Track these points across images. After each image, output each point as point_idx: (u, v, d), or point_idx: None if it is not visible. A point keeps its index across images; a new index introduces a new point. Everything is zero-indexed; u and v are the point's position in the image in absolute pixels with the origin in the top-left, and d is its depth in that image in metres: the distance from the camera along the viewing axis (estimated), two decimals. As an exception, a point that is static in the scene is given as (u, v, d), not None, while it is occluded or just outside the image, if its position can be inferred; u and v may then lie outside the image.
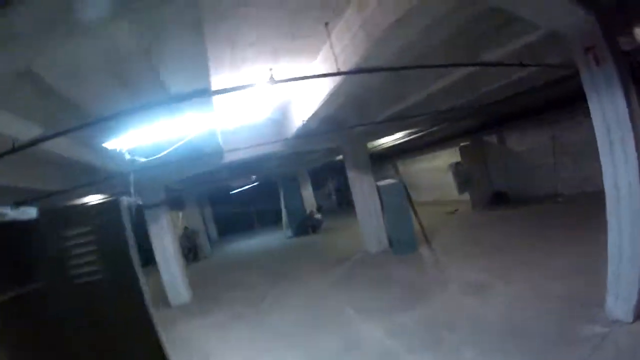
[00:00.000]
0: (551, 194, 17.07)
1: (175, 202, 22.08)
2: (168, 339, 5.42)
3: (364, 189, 15.04)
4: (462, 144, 19.75)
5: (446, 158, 22.17)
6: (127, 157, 6.98)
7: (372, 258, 14.34)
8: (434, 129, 17.09)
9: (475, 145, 19.80)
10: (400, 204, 13.74)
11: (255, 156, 14.51)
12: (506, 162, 19.40)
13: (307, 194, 28.78)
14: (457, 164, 19.50)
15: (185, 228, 24.89)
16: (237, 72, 7.69)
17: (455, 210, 19.98)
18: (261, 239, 27.27)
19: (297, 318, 9.69)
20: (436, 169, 23.58)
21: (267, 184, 31.19)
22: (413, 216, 13.92)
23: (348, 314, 9.17)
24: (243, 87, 5.02)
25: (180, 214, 18.13)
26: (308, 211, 26.09)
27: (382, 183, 14.25)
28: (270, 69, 7.18)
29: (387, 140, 20.83)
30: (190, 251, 23.95)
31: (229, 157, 13.56)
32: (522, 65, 6.62)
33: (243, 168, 19.36)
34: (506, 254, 10.85)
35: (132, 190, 7.46)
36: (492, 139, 19.83)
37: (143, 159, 7.25)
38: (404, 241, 13.66)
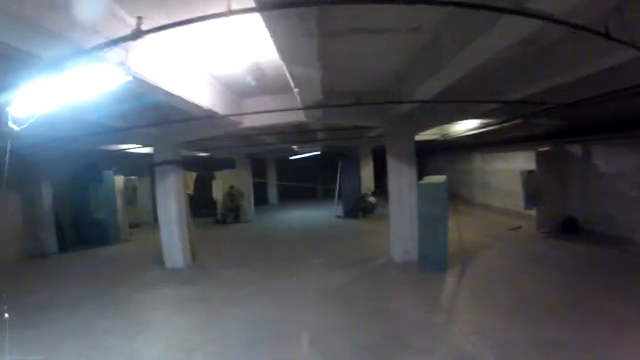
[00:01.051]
0: (629, 237, 12.99)
1: (193, 163, 20.93)
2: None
3: (402, 185, 12.23)
4: (540, 149, 15.66)
5: (523, 162, 18.85)
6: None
7: (389, 270, 11.75)
8: (507, 124, 14.01)
9: (556, 153, 15.56)
10: (438, 210, 10.86)
11: (283, 124, 13.79)
12: (586, 182, 15.32)
13: (366, 174, 25.96)
14: (529, 172, 15.58)
15: (231, 187, 23.45)
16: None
17: (518, 227, 16.58)
18: (310, 213, 25.93)
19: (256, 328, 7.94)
20: (512, 173, 19.48)
21: (330, 156, 29.49)
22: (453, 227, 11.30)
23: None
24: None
25: (194, 175, 16.96)
26: (363, 193, 23.63)
27: (423, 182, 11.59)
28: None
29: (460, 129, 18.14)
30: (232, 212, 23.27)
31: (248, 122, 12.48)
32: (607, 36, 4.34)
33: (292, 135, 18.27)
34: (582, 316, 7.38)
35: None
36: (577, 149, 15.67)
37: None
38: (432, 257, 10.96)
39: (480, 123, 15.61)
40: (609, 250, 12.21)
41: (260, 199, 30.11)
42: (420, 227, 10.92)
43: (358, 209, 22.53)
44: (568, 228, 14.85)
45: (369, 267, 12.14)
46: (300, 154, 30.06)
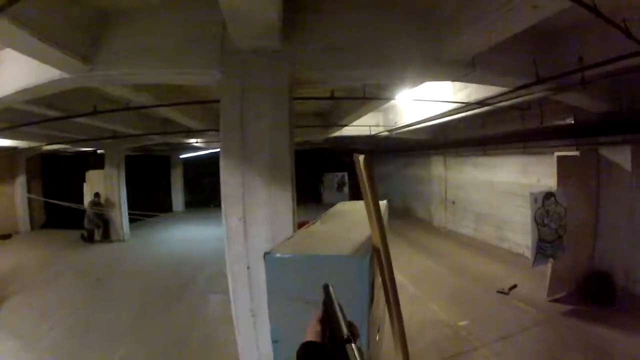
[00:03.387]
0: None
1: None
2: None
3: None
4: (561, 154, 8.97)
5: (516, 171, 12.84)
6: None
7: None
8: (501, 102, 8.62)
9: (585, 161, 9.17)
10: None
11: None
12: (633, 211, 8.78)
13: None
14: (547, 196, 8.57)
15: (96, 195, 18.24)
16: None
17: (512, 288, 9.69)
18: (210, 229, 19.94)
19: None
20: (501, 187, 13.78)
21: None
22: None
23: None
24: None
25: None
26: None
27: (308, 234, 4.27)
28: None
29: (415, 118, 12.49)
30: (98, 227, 18.15)
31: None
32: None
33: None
34: None
35: None
36: (622, 154, 8.96)
37: None
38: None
39: (450, 108, 10.24)
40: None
41: (161, 206, 26.13)
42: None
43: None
44: (596, 292, 8.67)
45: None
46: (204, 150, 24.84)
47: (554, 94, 7.44)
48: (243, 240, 5.17)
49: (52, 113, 9.07)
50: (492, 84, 7.38)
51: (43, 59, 4.97)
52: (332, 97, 7.59)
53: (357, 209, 5.71)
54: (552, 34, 6.44)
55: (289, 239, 3.85)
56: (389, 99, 9.84)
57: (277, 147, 5.15)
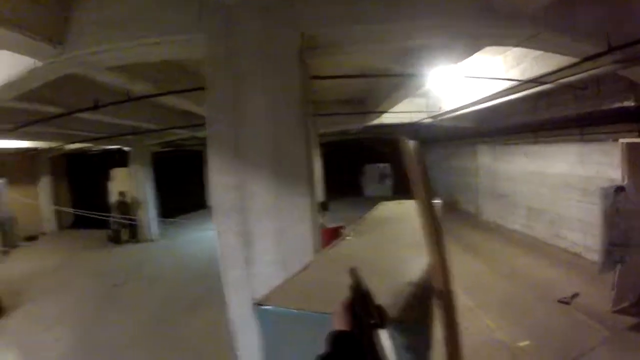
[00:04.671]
0: None
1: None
2: None
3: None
4: (627, 141, 7.77)
5: (575, 162, 11.24)
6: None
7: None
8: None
9: None
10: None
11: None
12: None
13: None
14: (618, 189, 7.46)
15: (121, 194, 17.59)
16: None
17: (573, 297, 8.40)
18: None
19: None
20: (555, 179, 12.20)
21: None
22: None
23: None
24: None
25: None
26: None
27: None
28: None
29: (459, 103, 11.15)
30: (125, 227, 17.53)
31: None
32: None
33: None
34: None
35: None
36: None
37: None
38: None
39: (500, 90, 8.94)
40: None
41: (195, 203, 24.61)
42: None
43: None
44: None
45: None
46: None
47: (624, 67, 6.15)
48: (243, 264, 3.81)
49: (55, 110, 8.50)
50: (558, 51, 6.02)
51: (11, 47, 4.41)
52: (364, 75, 6.18)
53: (403, 213, 4.53)
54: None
55: (299, 272, 2.70)
56: (427, 78, 8.31)
57: (284, 134, 3.74)
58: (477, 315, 7.63)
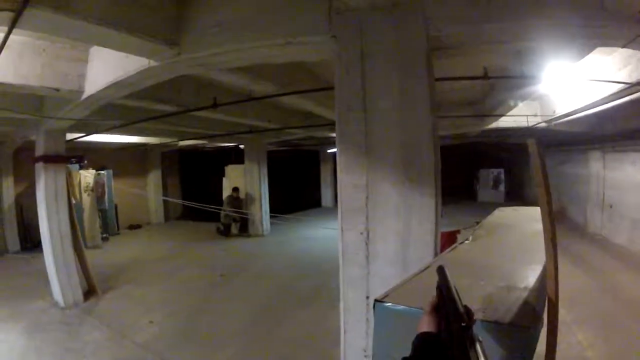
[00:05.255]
0: None
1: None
2: None
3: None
4: None
5: None
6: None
7: None
8: None
9: None
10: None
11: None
12: None
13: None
14: None
15: (234, 189, 18.07)
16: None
17: None
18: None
19: None
20: None
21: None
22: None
23: None
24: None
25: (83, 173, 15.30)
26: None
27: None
28: None
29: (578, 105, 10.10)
30: (236, 221, 18.04)
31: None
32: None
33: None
34: None
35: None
36: None
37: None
38: None
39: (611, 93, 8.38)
40: None
41: (310, 201, 25.46)
42: None
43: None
44: None
45: None
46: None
47: None
48: (363, 262, 3.85)
49: (166, 108, 8.71)
50: None
51: (126, 50, 4.60)
52: (485, 77, 6.03)
53: (519, 219, 4.62)
54: None
55: (420, 272, 2.74)
56: (541, 80, 7.89)
57: (413, 134, 3.71)
58: (570, 330, 7.38)
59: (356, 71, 3.78)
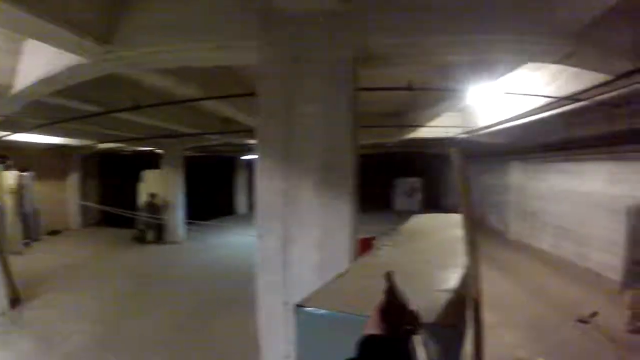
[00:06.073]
0: None
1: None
2: None
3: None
4: None
5: (604, 179, 11.39)
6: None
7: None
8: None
9: None
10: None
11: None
12: None
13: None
14: None
15: (151, 195, 17.58)
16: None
17: (592, 316, 8.33)
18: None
19: None
20: (584, 198, 12.15)
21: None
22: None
23: None
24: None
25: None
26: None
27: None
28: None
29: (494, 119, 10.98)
30: (152, 228, 17.39)
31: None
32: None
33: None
34: None
35: None
36: None
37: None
38: None
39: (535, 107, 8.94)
40: None
41: (224, 208, 25.28)
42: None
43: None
44: None
45: None
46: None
47: None
48: (281, 267, 3.84)
49: (91, 108, 8.47)
50: (594, 69, 5.85)
51: (57, 44, 4.34)
52: (409, 88, 6.16)
53: (437, 225, 4.65)
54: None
55: (339, 276, 2.76)
56: (468, 93, 8.26)
57: (334, 142, 3.76)
58: (498, 332, 7.60)
59: (283, 77, 3.81)
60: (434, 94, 8.04)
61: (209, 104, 8.54)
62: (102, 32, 4.12)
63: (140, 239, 17.09)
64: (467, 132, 12.85)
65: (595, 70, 5.84)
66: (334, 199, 3.72)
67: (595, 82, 6.36)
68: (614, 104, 8.03)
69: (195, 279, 11.87)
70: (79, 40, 3.95)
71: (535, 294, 9.87)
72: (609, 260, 10.30)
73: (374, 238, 7.92)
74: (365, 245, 6.17)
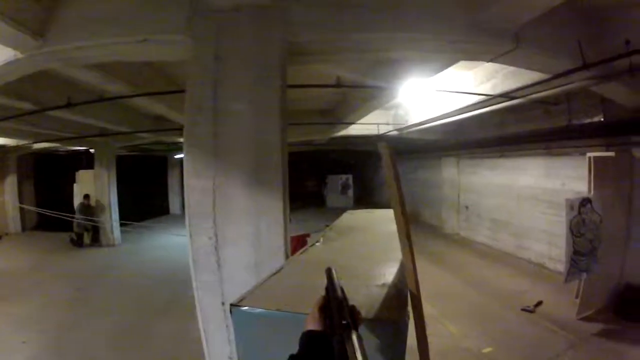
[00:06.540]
0: None
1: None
2: None
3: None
4: (594, 155, 8.11)
5: (540, 175, 11.54)
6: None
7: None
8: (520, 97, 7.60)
9: (619, 163, 8.35)
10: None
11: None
12: None
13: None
14: (584, 201, 7.73)
15: (85, 197, 16.88)
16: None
17: (537, 305, 8.58)
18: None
19: None
20: (521, 192, 12.40)
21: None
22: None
23: None
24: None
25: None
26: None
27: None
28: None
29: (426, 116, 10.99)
30: (88, 230, 16.86)
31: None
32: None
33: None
34: None
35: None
36: None
37: None
38: None
39: (467, 104, 8.98)
40: None
41: (158, 209, 24.58)
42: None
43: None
44: (630, 309, 7.80)
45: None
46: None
47: (597, 84, 6.23)
48: (215, 267, 3.74)
49: (25, 105, 8.14)
50: (534, 68, 5.99)
51: None
52: (338, 85, 6.18)
53: (370, 221, 4.62)
54: (596, 11, 5.28)
55: (273, 274, 2.68)
56: (400, 90, 8.17)
57: (263, 139, 3.70)
58: (442, 324, 7.66)
59: (211, 72, 3.72)
60: (364, 92, 8.04)
61: (140, 101, 8.35)
62: (36, 26, 4.00)
63: (77, 243, 16.54)
64: (398, 129, 12.98)
65: (533, 69, 6.03)
66: (266, 197, 3.67)
67: (536, 80, 6.48)
68: (552, 102, 8.32)
69: (135, 282, 11.56)
70: (15, 32, 3.81)
71: (476, 286, 10.00)
72: (547, 251, 10.65)
73: (308, 235, 7.96)
74: (299, 243, 6.19)
